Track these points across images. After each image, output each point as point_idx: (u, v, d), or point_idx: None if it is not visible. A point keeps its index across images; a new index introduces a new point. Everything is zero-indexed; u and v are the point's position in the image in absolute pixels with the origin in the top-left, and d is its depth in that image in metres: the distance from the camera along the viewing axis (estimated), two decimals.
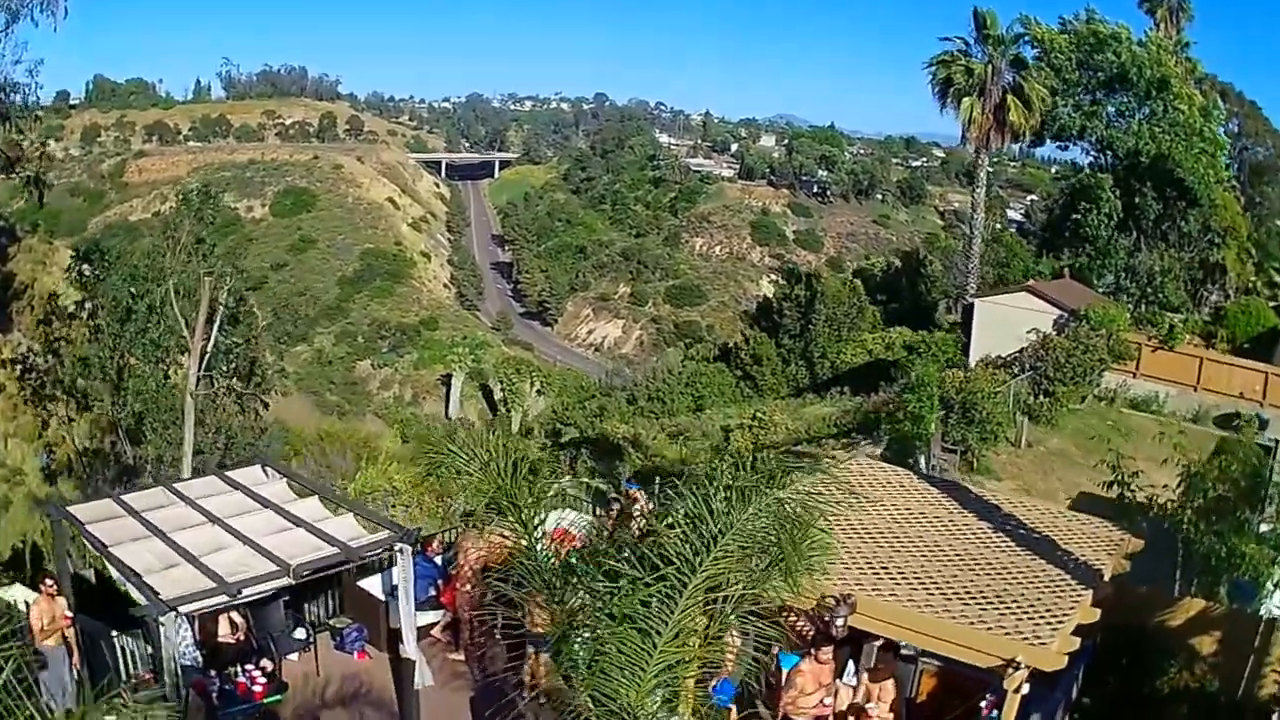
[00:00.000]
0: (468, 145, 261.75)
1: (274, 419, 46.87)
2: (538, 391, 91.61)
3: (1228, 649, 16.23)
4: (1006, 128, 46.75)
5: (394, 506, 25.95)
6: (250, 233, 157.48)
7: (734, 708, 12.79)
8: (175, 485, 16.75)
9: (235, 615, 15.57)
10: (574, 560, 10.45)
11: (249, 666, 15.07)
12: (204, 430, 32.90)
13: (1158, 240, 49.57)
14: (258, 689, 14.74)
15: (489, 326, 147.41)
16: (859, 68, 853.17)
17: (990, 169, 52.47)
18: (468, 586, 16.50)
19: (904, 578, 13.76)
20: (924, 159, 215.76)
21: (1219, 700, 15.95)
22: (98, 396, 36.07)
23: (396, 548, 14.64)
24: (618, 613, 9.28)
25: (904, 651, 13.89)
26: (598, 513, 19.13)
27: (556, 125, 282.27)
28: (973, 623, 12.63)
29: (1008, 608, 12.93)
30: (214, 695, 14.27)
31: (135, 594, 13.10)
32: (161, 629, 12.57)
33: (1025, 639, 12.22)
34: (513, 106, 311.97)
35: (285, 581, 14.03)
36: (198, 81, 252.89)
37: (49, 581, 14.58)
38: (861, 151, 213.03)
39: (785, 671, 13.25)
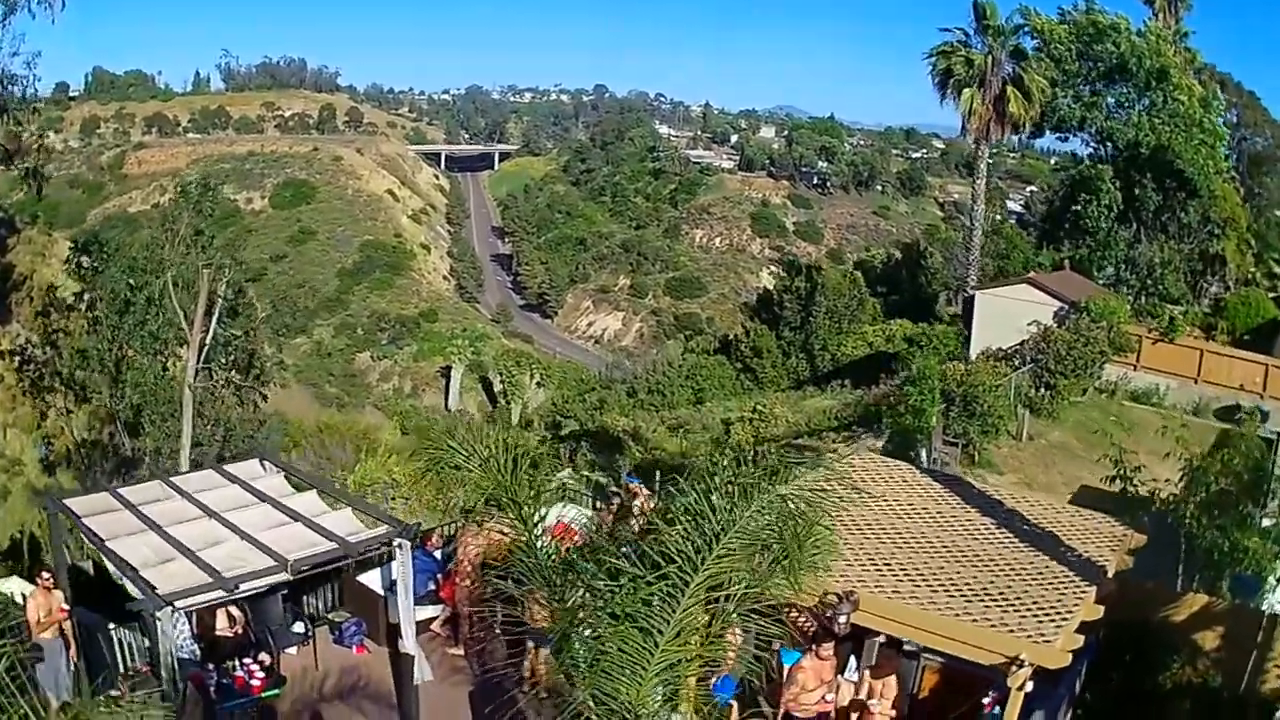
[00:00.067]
0: (467, 137, 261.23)
1: (273, 411, 46.86)
2: (537, 384, 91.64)
3: (1230, 644, 16.14)
4: (1006, 119, 46.59)
5: (393, 499, 25.85)
6: (249, 224, 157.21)
7: (735, 704, 12.73)
8: (172, 479, 16.66)
9: (233, 609, 15.48)
10: (574, 557, 10.35)
11: (247, 660, 14.98)
12: (202, 422, 32.86)
13: (1157, 232, 49.41)
14: (256, 683, 14.65)
15: (488, 319, 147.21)
16: (858, 59, 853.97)
17: (989, 160, 52.18)
18: (467, 581, 16.42)
19: (907, 574, 13.70)
20: (923, 150, 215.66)
21: (1222, 696, 15.88)
22: (96, 388, 36.05)
23: (395, 543, 14.56)
24: (619, 611, 9.19)
25: (906, 648, 13.82)
26: (598, 506, 19.04)
27: (556, 117, 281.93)
28: (977, 620, 12.57)
29: (1012, 605, 12.87)
30: (211, 689, 14.20)
31: (132, 588, 13.02)
32: (158, 624, 12.48)
33: (1029, 637, 12.16)
34: (512, 98, 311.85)
35: (283, 577, 13.94)
36: (197, 73, 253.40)
37: (45, 574, 14.51)
38: (861, 143, 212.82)
39: (787, 668, 13.18)
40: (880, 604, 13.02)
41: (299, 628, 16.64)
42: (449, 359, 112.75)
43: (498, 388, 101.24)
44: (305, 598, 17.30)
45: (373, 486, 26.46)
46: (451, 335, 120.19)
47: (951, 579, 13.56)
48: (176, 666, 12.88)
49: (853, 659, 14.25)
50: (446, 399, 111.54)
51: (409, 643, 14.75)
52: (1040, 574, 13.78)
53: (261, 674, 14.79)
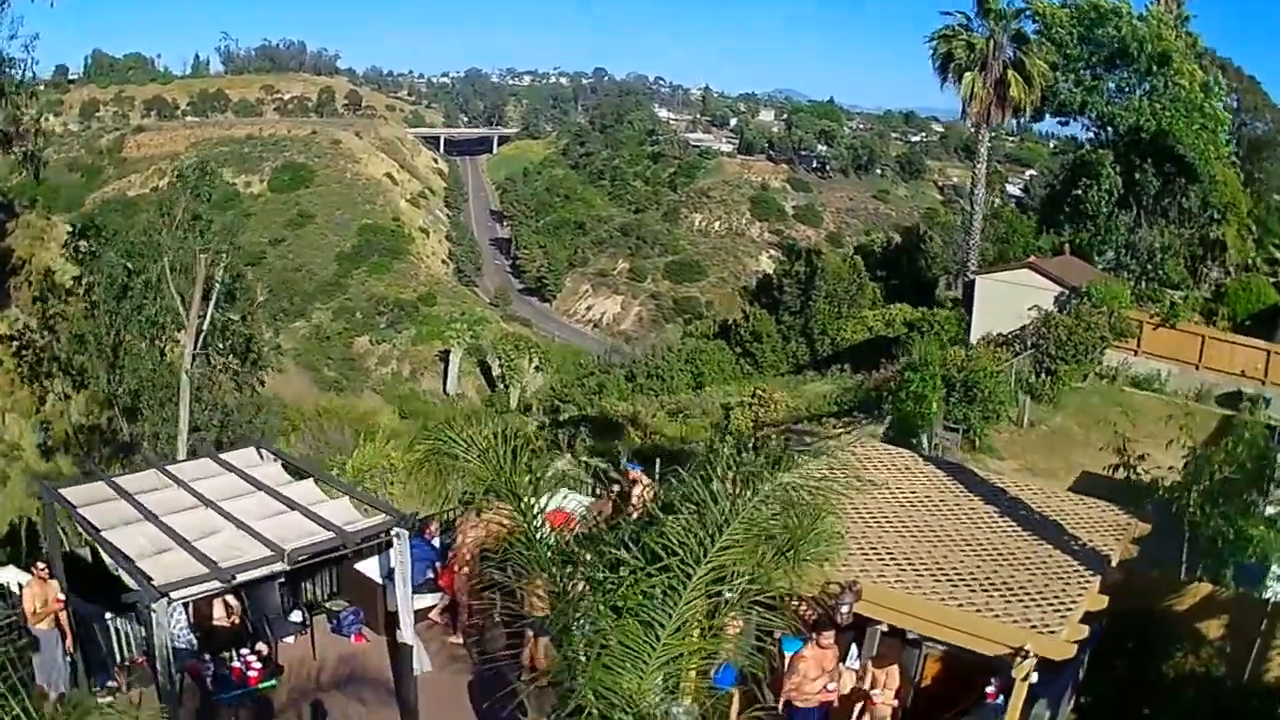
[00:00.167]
0: (466, 120, 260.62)
1: (272, 395, 46.79)
2: (536, 368, 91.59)
3: (1234, 633, 16.05)
4: (1007, 103, 46.42)
5: (391, 485, 25.73)
6: (248, 208, 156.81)
7: (736, 693, 12.64)
8: (168, 467, 16.56)
9: (230, 598, 15.40)
10: (574, 548, 10.21)
11: (244, 650, 14.92)
12: (200, 407, 32.79)
13: (1158, 216, 49.22)
14: (253, 673, 14.59)
15: (487, 302, 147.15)
16: (858, 42, 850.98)
17: (989, 144, 52.01)
18: (466, 569, 16.32)
19: (910, 563, 13.60)
20: (923, 134, 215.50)
21: (1225, 685, 15.80)
22: (94, 373, 36.00)
23: (393, 532, 14.46)
24: (620, 605, 9.07)
25: (909, 636, 13.72)
26: (597, 493, 18.92)
27: (555, 100, 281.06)
28: (980, 610, 12.47)
29: (1016, 595, 12.77)
30: (208, 679, 14.13)
31: (128, 579, 12.91)
32: (154, 615, 12.37)
33: (1034, 627, 12.06)
34: (511, 81, 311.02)
35: (280, 567, 13.84)
36: (196, 56, 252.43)
37: (41, 565, 14.40)
38: (861, 126, 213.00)
39: (788, 657, 13.08)
40: (884, 594, 12.92)
41: (296, 616, 16.56)
42: (447, 343, 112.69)
43: (496, 371, 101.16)
44: (303, 585, 17.21)
45: (371, 471, 26.33)
46: (450, 319, 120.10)
47: (955, 568, 13.46)
48: (173, 657, 12.77)
49: (854, 647, 14.16)
50: (445, 383, 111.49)
51: (407, 632, 14.67)
52: (1044, 563, 13.67)
53: (259, 665, 14.73)
